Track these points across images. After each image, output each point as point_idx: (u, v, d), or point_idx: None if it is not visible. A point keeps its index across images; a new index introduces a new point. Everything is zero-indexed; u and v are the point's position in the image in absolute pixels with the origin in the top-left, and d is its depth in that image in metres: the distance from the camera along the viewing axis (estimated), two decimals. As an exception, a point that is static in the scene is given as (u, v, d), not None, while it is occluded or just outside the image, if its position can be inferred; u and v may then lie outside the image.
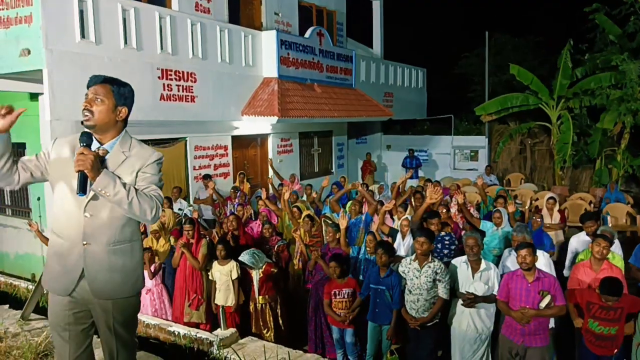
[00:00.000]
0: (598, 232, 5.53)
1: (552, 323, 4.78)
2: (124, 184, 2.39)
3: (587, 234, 5.79)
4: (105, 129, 2.52)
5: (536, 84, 14.06)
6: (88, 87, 2.53)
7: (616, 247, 5.67)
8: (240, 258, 5.63)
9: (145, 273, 6.31)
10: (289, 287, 6.47)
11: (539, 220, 6.84)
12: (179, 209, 8.25)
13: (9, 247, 8.69)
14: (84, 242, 2.50)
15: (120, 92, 2.54)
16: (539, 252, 4.83)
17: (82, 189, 2.33)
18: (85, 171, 2.29)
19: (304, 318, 5.93)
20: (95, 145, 2.49)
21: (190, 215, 7.34)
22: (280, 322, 5.79)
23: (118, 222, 2.54)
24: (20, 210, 8.67)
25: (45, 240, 6.14)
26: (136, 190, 2.43)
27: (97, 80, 2.53)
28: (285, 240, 6.83)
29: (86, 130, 2.46)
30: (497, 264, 5.42)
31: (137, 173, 2.53)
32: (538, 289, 4.27)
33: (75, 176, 2.39)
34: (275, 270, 5.79)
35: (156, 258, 6.45)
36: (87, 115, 2.45)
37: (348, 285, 5.26)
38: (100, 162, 2.37)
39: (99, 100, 2.47)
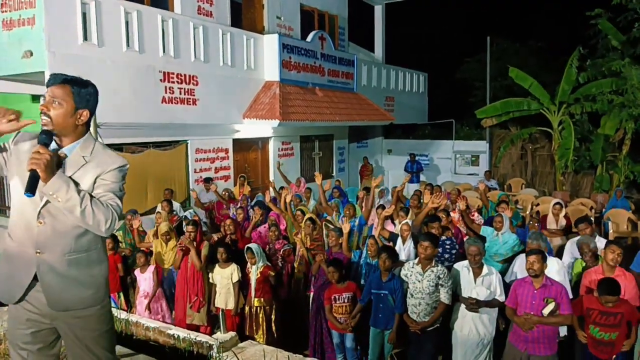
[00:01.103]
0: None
1: (563, 331, 4.76)
2: (79, 191, 2.19)
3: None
4: (64, 133, 2.33)
5: (535, 87, 14.06)
6: (47, 87, 2.33)
7: None
8: (249, 245, 5.76)
9: (140, 277, 6.29)
10: (293, 291, 6.44)
11: (537, 224, 6.83)
12: (172, 211, 8.24)
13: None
14: (37, 251, 2.31)
15: (80, 94, 2.33)
16: (553, 260, 4.81)
17: (31, 190, 2.11)
18: (38, 171, 2.09)
19: (303, 323, 5.91)
20: (53, 147, 2.31)
21: (190, 218, 7.32)
22: (273, 328, 5.77)
23: (74, 231, 2.33)
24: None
25: None
26: (92, 197, 2.23)
27: (56, 81, 2.32)
28: (291, 244, 6.81)
29: (47, 129, 2.28)
30: (500, 270, 5.41)
31: (95, 179, 2.33)
32: (544, 296, 4.26)
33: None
34: (273, 273, 5.79)
35: (152, 260, 6.44)
36: (44, 120, 2.26)
37: (348, 290, 5.24)
38: (56, 165, 2.20)
39: (56, 103, 2.27)
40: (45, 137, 2.22)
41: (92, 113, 2.41)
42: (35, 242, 2.31)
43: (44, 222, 2.30)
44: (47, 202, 2.26)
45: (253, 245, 5.84)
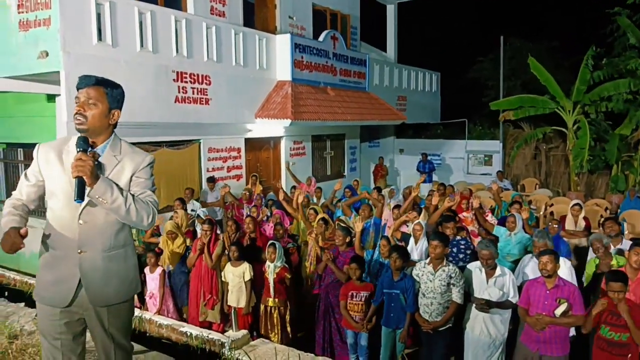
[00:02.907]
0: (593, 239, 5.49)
1: (572, 331, 4.71)
2: (121, 191, 2.32)
3: (609, 236, 5.79)
4: (97, 133, 2.44)
5: (550, 82, 13.89)
6: (78, 88, 2.41)
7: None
8: (273, 241, 5.84)
9: (149, 276, 6.31)
10: (304, 290, 6.44)
11: (556, 226, 6.76)
12: (192, 210, 8.29)
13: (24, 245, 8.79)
14: (79, 250, 2.43)
15: (113, 95, 2.45)
16: (562, 260, 4.75)
17: (80, 196, 2.24)
18: (84, 177, 2.21)
19: (313, 322, 5.90)
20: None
21: (204, 217, 7.36)
22: (288, 329, 5.78)
23: (112, 228, 2.48)
24: (35, 210, 8.76)
25: None
26: (133, 196, 2.38)
27: (89, 82, 2.41)
28: (296, 242, 6.80)
29: (82, 135, 2.37)
30: (512, 270, 5.37)
31: (130, 177, 2.47)
32: (556, 297, 4.22)
33: (66, 182, 2.34)
34: (289, 276, 5.80)
35: (166, 261, 6.47)
36: (79, 120, 2.35)
37: (366, 289, 5.23)
38: (97, 168, 2.31)
39: (92, 103, 2.38)
40: (83, 143, 2.32)
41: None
42: (78, 241, 2.43)
43: (85, 221, 2.41)
44: (88, 203, 2.36)
45: (277, 243, 5.86)
